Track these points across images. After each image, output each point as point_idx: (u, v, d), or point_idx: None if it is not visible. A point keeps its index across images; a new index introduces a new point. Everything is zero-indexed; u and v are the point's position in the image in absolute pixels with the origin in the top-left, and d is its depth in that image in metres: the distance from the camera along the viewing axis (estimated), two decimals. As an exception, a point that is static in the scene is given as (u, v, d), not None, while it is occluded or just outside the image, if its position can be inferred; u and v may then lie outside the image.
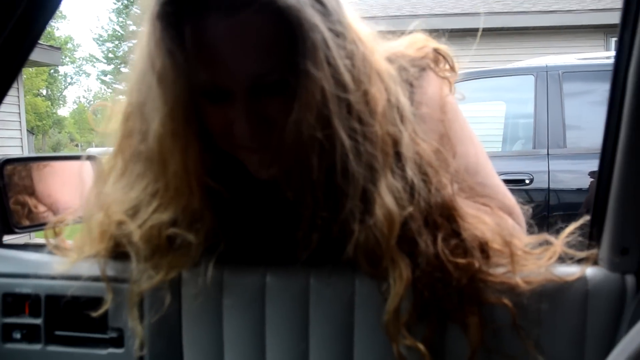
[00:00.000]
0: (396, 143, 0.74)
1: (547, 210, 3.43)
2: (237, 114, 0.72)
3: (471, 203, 0.79)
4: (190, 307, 0.84)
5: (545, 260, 0.74)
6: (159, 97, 0.70)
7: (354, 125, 0.71)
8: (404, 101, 0.77)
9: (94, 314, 0.85)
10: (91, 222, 0.85)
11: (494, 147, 4.52)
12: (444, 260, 0.72)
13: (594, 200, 0.77)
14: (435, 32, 0.89)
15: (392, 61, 0.81)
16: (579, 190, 3.49)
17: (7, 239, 1.04)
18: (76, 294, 0.87)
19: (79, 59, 36.14)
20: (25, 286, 0.91)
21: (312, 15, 0.67)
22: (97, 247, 0.85)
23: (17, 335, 0.92)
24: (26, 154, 7.64)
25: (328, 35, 0.69)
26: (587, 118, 3.70)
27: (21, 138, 7.77)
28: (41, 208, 1.17)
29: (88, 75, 42.49)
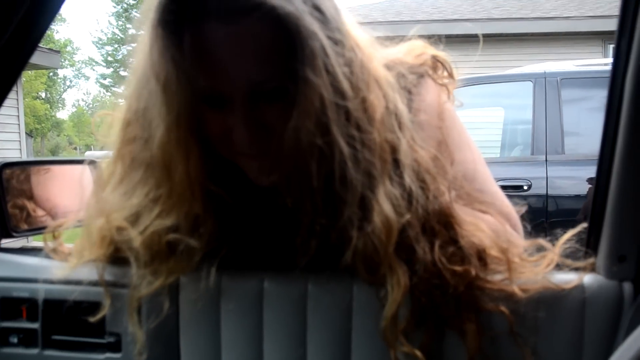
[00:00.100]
0: (394, 150, 0.75)
1: (545, 216, 3.43)
2: (236, 121, 0.72)
3: (469, 210, 0.79)
4: (188, 312, 0.84)
5: (543, 268, 0.75)
6: (163, 104, 0.70)
7: (353, 133, 0.71)
8: (402, 108, 0.77)
9: (92, 319, 0.85)
10: (91, 228, 0.85)
11: (492, 153, 4.53)
12: (441, 267, 0.72)
13: (592, 207, 0.77)
14: (433, 38, 0.90)
15: (391, 68, 0.82)
16: (577, 196, 3.49)
17: (5, 242, 1.04)
18: (74, 298, 0.87)
19: (78, 62, 36.21)
20: (23, 290, 0.91)
21: (311, 23, 0.68)
22: (96, 252, 0.85)
23: (14, 340, 0.91)
24: (25, 157, 7.64)
25: (327, 42, 0.69)
26: (585, 124, 3.72)
27: (20, 141, 7.77)
28: (40, 212, 1.17)
29: (87, 78, 42.59)
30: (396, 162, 0.74)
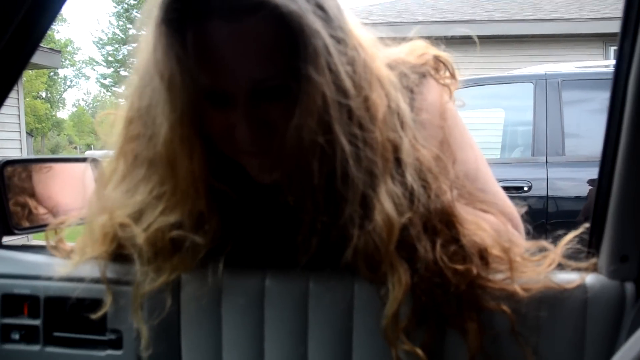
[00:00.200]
0: (396, 149, 0.75)
1: (545, 217, 3.44)
2: (238, 119, 0.72)
3: (470, 209, 0.79)
4: (189, 309, 0.84)
5: (544, 268, 0.75)
6: (166, 102, 0.70)
7: (355, 131, 0.71)
8: (405, 107, 0.78)
9: (93, 316, 0.85)
10: (93, 225, 0.85)
11: (492, 154, 4.53)
12: (442, 266, 0.72)
13: (594, 207, 0.77)
14: (434, 39, 0.90)
15: (393, 68, 0.82)
16: (578, 198, 3.50)
17: (6, 240, 1.04)
18: (76, 295, 0.87)
19: (78, 62, 36.23)
20: (24, 287, 0.91)
21: (314, 21, 0.68)
22: (99, 249, 0.85)
23: (16, 336, 0.91)
24: (26, 156, 7.64)
25: (329, 41, 0.69)
26: (585, 126, 3.72)
27: (20, 140, 7.77)
28: (41, 210, 1.17)
29: (88, 78, 42.61)
30: (398, 161, 0.75)
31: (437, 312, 0.73)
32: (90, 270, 0.86)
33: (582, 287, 0.74)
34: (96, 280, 0.86)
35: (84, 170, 1.15)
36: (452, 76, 0.89)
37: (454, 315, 0.73)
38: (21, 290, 0.92)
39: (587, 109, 3.83)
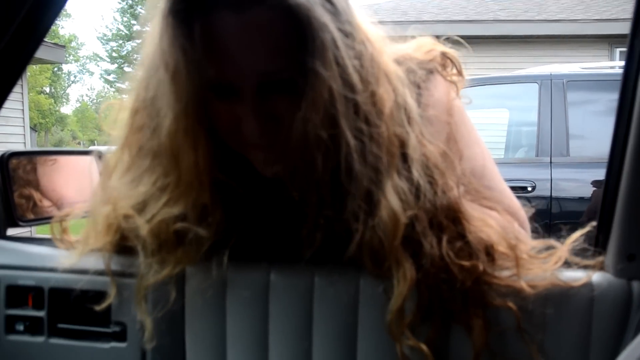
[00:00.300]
0: (403, 144, 0.74)
1: (548, 218, 3.43)
2: (245, 111, 0.72)
3: (477, 206, 0.79)
4: (194, 302, 0.84)
5: (551, 265, 0.74)
6: (171, 93, 0.70)
7: (361, 126, 0.71)
8: (412, 103, 0.77)
9: (98, 308, 0.85)
10: (97, 215, 0.85)
11: (496, 154, 4.51)
12: (448, 262, 0.72)
13: (601, 206, 0.77)
14: (439, 39, 0.90)
15: (400, 63, 0.81)
16: (581, 199, 3.49)
17: (10, 233, 1.04)
18: (80, 287, 0.87)
19: (82, 57, 36.26)
20: (29, 278, 0.92)
21: (322, 14, 0.67)
22: (102, 240, 0.85)
23: (20, 327, 0.92)
24: (31, 148, 7.65)
25: (337, 35, 0.69)
26: (590, 127, 3.70)
27: (24, 134, 7.78)
28: (46, 202, 1.17)
29: (91, 74, 42.80)
30: (405, 157, 0.74)
31: (442, 308, 0.73)
32: (95, 262, 0.86)
33: (588, 285, 0.73)
34: (100, 272, 0.86)
35: (89, 163, 1.15)
36: (459, 73, 0.89)
37: (459, 311, 0.73)
38: (26, 282, 0.92)
39: (592, 110, 3.82)
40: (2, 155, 1.04)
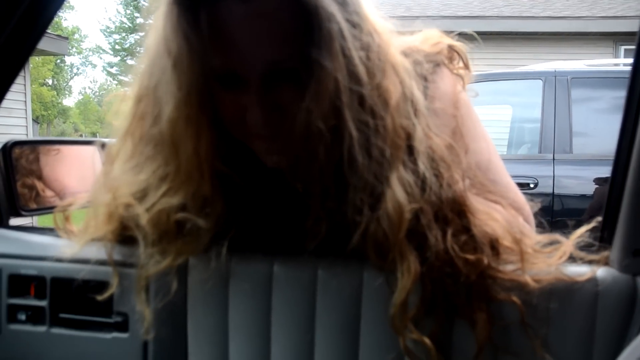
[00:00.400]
0: (409, 136, 0.74)
1: (550, 215, 3.42)
2: (250, 101, 0.71)
3: (482, 200, 0.78)
4: (196, 293, 0.84)
5: (556, 259, 0.74)
6: (173, 81, 0.70)
7: (366, 118, 0.71)
8: (418, 95, 0.77)
9: (100, 298, 0.85)
10: (98, 204, 0.85)
11: (499, 151, 4.47)
12: (453, 255, 0.71)
13: (607, 201, 0.76)
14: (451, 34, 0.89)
15: (407, 55, 0.81)
16: (583, 196, 3.48)
17: (12, 222, 1.04)
18: (82, 277, 0.87)
19: (85, 49, 36.19)
20: (31, 268, 0.91)
21: (329, 4, 0.67)
22: (103, 229, 0.85)
23: (22, 317, 0.92)
24: (34, 137, 7.65)
25: (344, 25, 0.68)
26: (594, 125, 3.69)
27: (26, 126, 7.78)
28: (49, 192, 1.17)
29: (94, 66, 42.67)
30: (410, 149, 0.74)
31: (446, 302, 0.73)
32: (97, 252, 0.86)
33: (593, 280, 0.73)
34: (102, 262, 0.86)
35: (92, 153, 1.15)
36: (466, 67, 0.88)
37: (463, 305, 0.73)
38: (28, 271, 0.92)
39: (596, 108, 3.81)
40: (5, 144, 1.04)
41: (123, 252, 0.86)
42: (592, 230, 0.77)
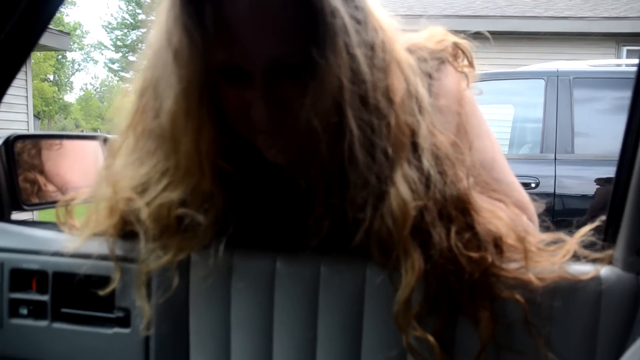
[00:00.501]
0: (413, 133, 0.74)
1: (551, 215, 3.42)
2: (254, 96, 0.71)
3: (486, 198, 0.78)
4: (198, 289, 0.83)
5: (559, 258, 0.74)
6: (174, 74, 0.69)
7: (370, 114, 0.70)
8: (423, 92, 0.76)
9: (101, 293, 0.85)
10: (99, 197, 0.85)
11: (500, 150, 4.49)
12: (457, 253, 0.71)
13: (611, 199, 0.76)
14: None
15: (412, 52, 0.81)
16: (584, 196, 3.48)
17: (13, 217, 1.04)
18: (84, 272, 0.86)
19: (87, 45, 36.18)
20: (33, 262, 0.91)
21: (334, 0, 0.66)
22: (105, 223, 0.85)
23: (24, 311, 0.92)
24: (36, 132, 7.65)
25: (349, 21, 0.68)
26: (596, 125, 3.69)
27: (28, 121, 7.79)
28: (50, 187, 1.17)
29: (96, 62, 42.71)
30: (415, 146, 0.74)
31: (449, 299, 0.73)
32: (99, 246, 0.86)
33: (596, 279, 0.73)
34: (104, 257, 0.85)
35: (95, 148, 1.14)
36: (470, 65, 0.88)
37: (466, 303, 0.72)
38: (30, 265, 0.92)
39: (598, 108, 3.80)
40: (7, 138, 1.04)
41: (125, 246, 0.86)
42: (595, 229, 0.76)
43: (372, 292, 0.77)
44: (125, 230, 0.85)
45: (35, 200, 1.13)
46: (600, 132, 3.61)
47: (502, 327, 0.72)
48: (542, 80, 3.80)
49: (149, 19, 0.78)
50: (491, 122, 0.91)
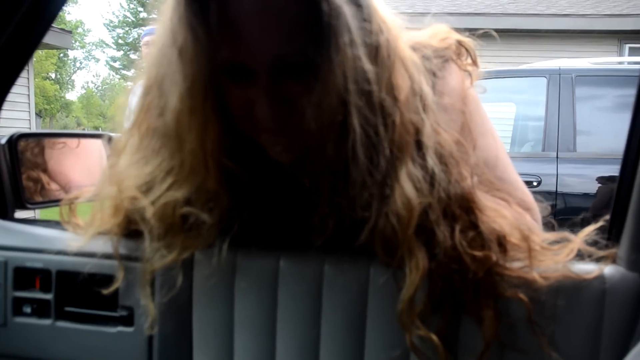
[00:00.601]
0: (418, 132, 0.74)
1: (553, 213, 3.41)
2: (258, 94, 0.71)
3: (489, 196, 0.78)
4: (201, 288, 0.83)
5: (563, 257, 0.74)
6: (178, 72, 0.69)
7: (374, 113, 0.70)
8: (427, 90, 0.76)
9: (105, 292, 0.85)
10: (104, 196, 0.85)
11: (502, 148, 4.47)
12: (461, 251, 0.71)
13: (615, 198, 0.76)
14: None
15: (416, 50, 0.80)
16: (586, 195, 3.47)
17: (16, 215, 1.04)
18: (88, 270, 0.87)
19: (88, 43, 36.21)
20: (37, 261, 0.91)
21: None
22: (109, 222, 0.85)
23: (28, 310, 0.92)
24: (40, 130, 7.66)
25: (352, 19, 0.68)
26: (598, 123, 3.68)
27: (29, 120, 7.80)
28: (54, 186, 1.17)
29: (97, 60, 42.80)
30: (419, 144, 0.73)
31: (453, 298, 0.73)
32: (103, 245, 0.86)
33: (600, 278, 0.72)
34: (108, 256, 0.86)
35: (99, 147, 1.14)
36: (474, 63, 0.88)
37: (470, 301, 0.72)
38: (33, 264, 0.92)
39: (600, 106, 3.79)
40: (11, 136, 1.04)
41: (129, 245, 0.86)
42: (599, 228, 0.76)
43: (376, 291, 0.77)
44: (130, 229, 0.85)
45: (39, 198, 1.13)
46: (602, 130, 3.60)
47: (505, 326, 0.72)
48: (544, 78, 3.79)
49: (150, 16, 0.78)
50: (493, 120, 0.91)
